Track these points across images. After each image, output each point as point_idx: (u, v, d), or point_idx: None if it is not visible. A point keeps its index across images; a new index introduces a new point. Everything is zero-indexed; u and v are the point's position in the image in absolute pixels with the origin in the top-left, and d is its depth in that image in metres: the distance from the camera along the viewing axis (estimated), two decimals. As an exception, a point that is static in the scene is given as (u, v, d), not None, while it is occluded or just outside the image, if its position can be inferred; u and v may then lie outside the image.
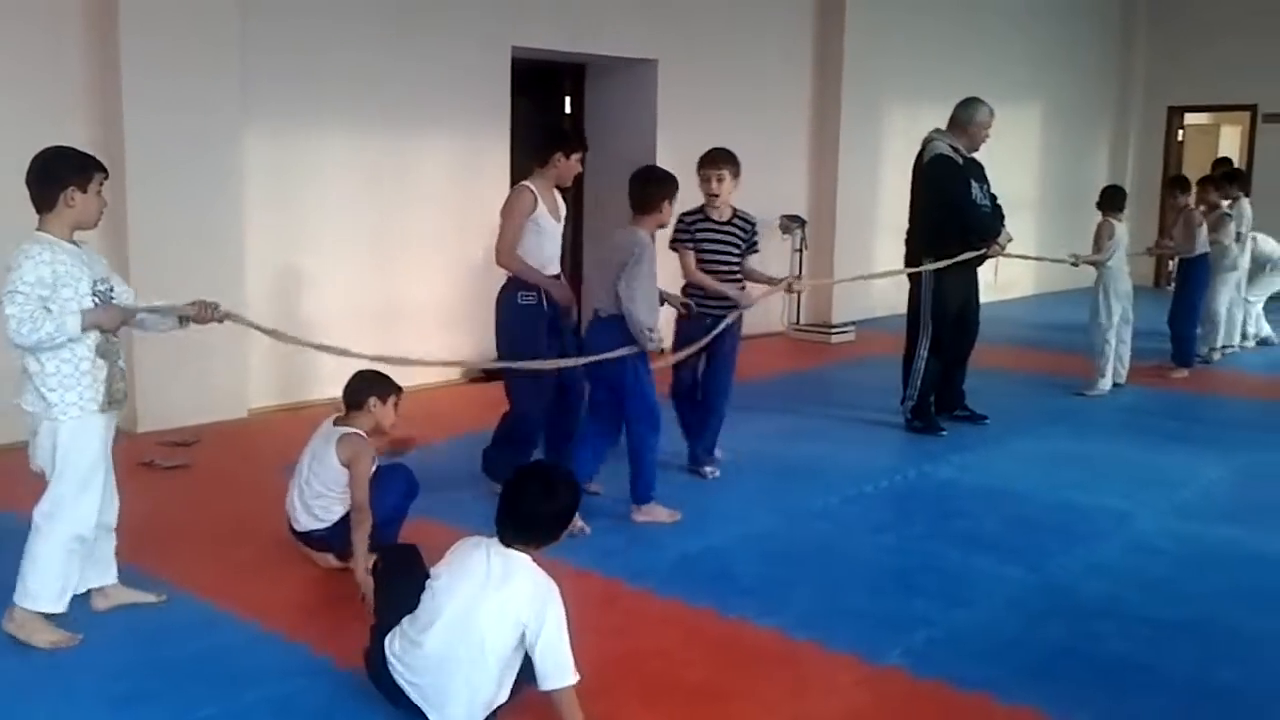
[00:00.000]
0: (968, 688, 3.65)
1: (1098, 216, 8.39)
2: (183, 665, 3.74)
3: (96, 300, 3.79)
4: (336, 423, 4.61)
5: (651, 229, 5.25)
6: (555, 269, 5.57)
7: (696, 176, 5.87)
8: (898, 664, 3.83)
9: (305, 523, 4.54)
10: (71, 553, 3.86)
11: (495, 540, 3.30)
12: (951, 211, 6.88)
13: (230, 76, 6.90)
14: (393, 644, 3.34)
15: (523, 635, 3.17)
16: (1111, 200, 8.38)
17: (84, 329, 3.70)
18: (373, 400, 4.61)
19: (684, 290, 5.94)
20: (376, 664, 3.38)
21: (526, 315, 5.41)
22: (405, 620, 3.35)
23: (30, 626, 3.84)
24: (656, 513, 5.28)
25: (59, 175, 3.76)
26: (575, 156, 5.50)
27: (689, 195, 5.73)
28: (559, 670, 3.16)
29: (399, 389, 4.69)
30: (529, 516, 3.29)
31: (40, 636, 3.84)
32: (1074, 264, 8.54)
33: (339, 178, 7.68)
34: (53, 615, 3.86)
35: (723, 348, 5.90)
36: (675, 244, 5.93)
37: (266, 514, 5.03)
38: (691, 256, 5.85)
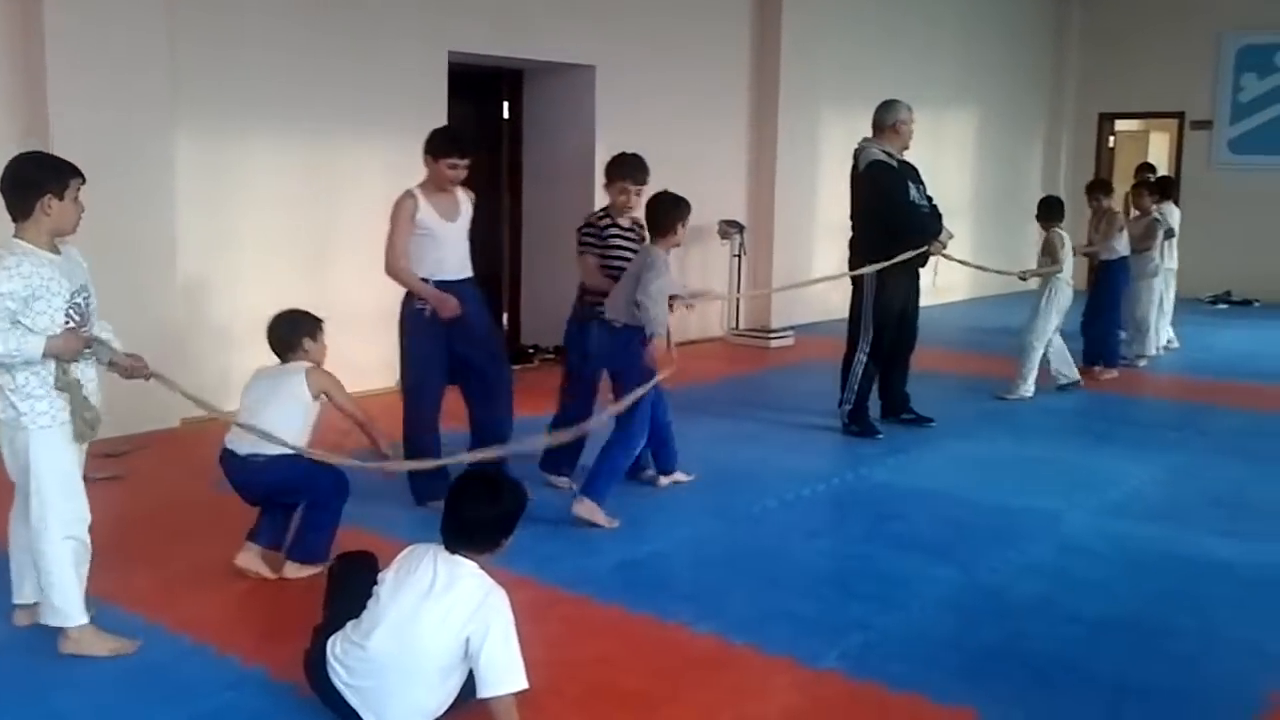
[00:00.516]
0: (902, 689, 3.69)
1: (1033, 223, 8.48)
2: (112, 680, 3.68)
3: (71, 314, 3.69)
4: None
5: (667, 248, 5.45)
6: (455, 274, 5.43)
7: (611, 182, 5.85)
8: (834, 667, 3.86)
9: (248, 446, 4.43)
10: (78, 557, 3.81)
11: (442, 548, 3.29)
12: (893, 215, 6.96)
13: (159, 70, 6.80)
14: (335, 646, 3.32)
15: (467, 643, 3.15)
16: (1050, 211, 8.44)
17: (43, 356, 3.59)
18: (306, 340, 4.59)
19: (581, 297, 5.91)
20: (316, 665, 3.35)
21: (416, 323, 5.35)
22: (349, 624, 3.33)
23: (85, 641, 3.80)
24: (596, 514, 5.27)
25: (36, 182, 3.67)
26: (445, 162, 5.37)
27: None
28: (502, 678, 3.14)
29: (321, 321, 4.70)
30: (472, 522, 3.27)
31: (98, 647, 3.80)
32: (1023, 279, 8.63)
33: (273, 179, 7.60)
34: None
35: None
36: (583, 248, 5.87)
37: (199, 525, 4.97)
38: (595, 261, 5.80)
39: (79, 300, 3.74)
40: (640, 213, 5.74)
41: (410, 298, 5.37)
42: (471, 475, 3.50)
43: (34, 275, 3.60)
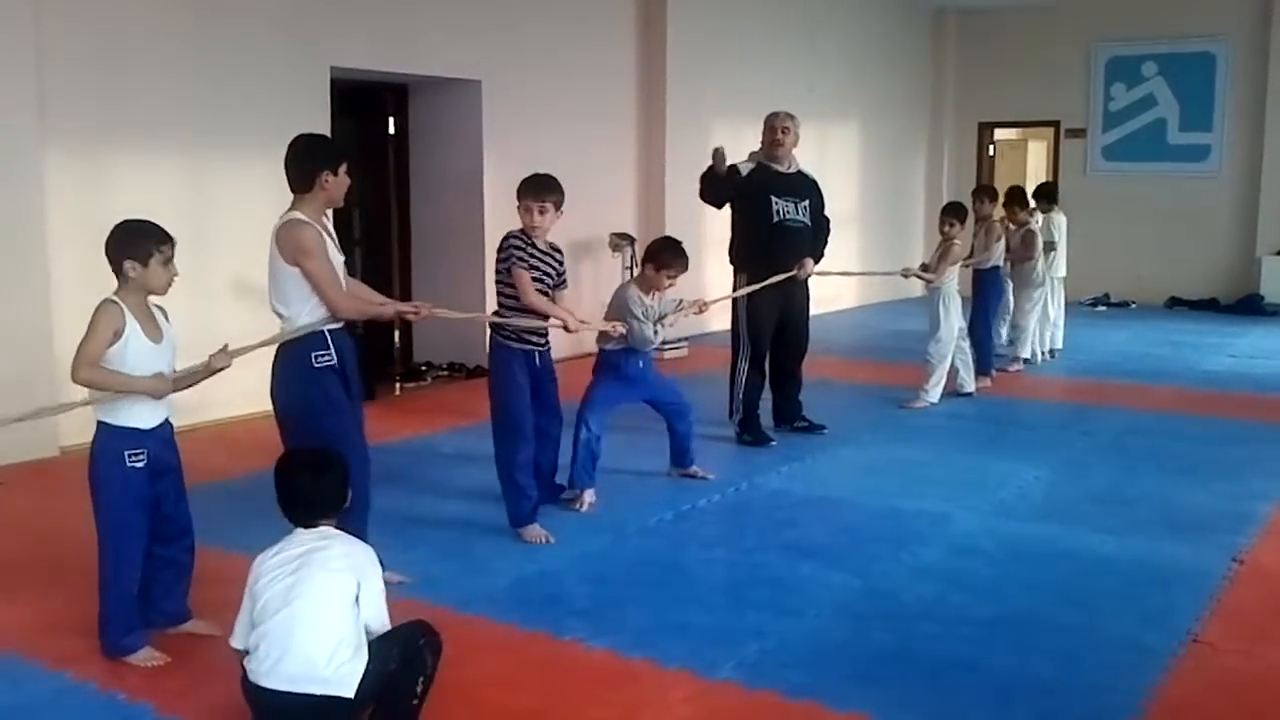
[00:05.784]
0: (798, 697, 3.70)
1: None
2: None
3: None
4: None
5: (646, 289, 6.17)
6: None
7: (517, 202, 5.31)
8: (730, 678, 3.85)
9: None
10: None
11: (297, 529, 3.43)
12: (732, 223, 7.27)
13: (27, 82, 6.58)
14: (250, 662, 3.25)
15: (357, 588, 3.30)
16: (958, 216, 8.40)
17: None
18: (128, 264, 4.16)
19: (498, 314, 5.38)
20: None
21: (324, 381, 4.39)
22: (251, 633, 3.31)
23: None
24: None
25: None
26: (343, 169, 4.42)
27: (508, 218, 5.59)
28: (382, 621, 3.36)
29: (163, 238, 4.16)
30: (314, 493, 3.46)
31: None
32: (905, 276, 8.75)
33: (151, 198, 7.33)
34: None
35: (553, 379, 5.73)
36: (517, 263, 5.23)
37: (80, 558, 4.76)
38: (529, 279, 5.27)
39: None
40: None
41: (303, 349, 4.36)
42: (293, 453, 3.76)
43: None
